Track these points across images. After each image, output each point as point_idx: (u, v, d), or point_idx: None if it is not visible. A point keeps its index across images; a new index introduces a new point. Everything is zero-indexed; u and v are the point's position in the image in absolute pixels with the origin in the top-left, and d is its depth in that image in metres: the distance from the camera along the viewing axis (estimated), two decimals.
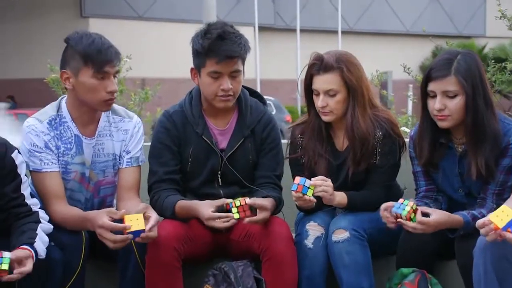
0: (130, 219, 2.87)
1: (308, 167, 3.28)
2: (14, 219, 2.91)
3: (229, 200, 3.05)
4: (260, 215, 3.05)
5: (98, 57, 3.04)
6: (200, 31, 3.21)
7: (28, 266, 2.73)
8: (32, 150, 3.12)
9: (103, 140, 3.22)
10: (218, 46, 3.13)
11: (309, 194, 3.03)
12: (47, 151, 3.13)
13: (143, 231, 2.87)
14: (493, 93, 3.61)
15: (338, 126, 3.30)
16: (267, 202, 3.09)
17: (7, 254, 2.68)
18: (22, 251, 2.75)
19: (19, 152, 2.95)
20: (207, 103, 3.28)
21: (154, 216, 2.95)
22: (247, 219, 3.03)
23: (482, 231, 2.68)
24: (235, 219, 3.02)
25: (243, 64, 3.23)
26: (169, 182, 3.25)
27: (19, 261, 2.72)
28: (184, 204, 3.16)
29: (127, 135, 3.26)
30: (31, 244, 2.80)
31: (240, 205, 3.02)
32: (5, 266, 2.66)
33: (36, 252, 2.79)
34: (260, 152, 3.32)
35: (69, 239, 2.99)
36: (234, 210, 3.02)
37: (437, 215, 2.97)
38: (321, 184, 3.06)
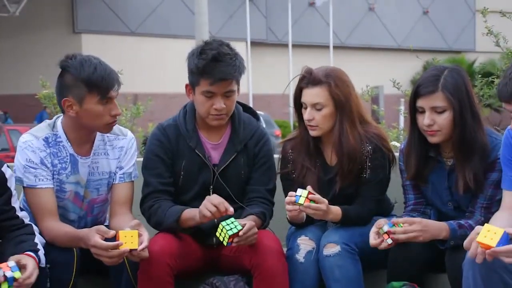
0: (125, 235, 2.84)
1: (297, 181, 3.29)
2: (7, 231, 2.90)
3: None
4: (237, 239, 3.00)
5: (103, 84, 3.03)
6: (196, 49, 3.21)
7: (34, 274, 2.69)
8: (27, 166, 3.10)
9: (98, 158, 3.22)
10: (212, 68, 3.14)
11: (300, 202, 3.04)
12: (43, 167, 3.11)
13: (135, 250, 2.85)
14: (483, 107, 3.65)
15: (327, 141, 3.31)
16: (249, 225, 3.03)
17: (12, 264, 2.63)
18: (29, 259, 2.71)
19: (7, 166, 2.95)
20: (201, 118, 3.30)
21: (145, 235, 2.92)
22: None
23: (470, 253, 2.68)
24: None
25: (238, 84, 3.23)
26: (166, 193, 3.25)
27: (24, 266, 2.68)
28: (188, 214, 3.14)
29: (122, 152, 3.26)
30: (35, 252, 2.78)
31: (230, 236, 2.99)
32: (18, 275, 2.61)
33: (39, 260, 2.78)
34: (252, 167, 3.33)
35: (60, 255, 2.96)
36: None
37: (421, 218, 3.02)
38: (316, 208, 3.05)
